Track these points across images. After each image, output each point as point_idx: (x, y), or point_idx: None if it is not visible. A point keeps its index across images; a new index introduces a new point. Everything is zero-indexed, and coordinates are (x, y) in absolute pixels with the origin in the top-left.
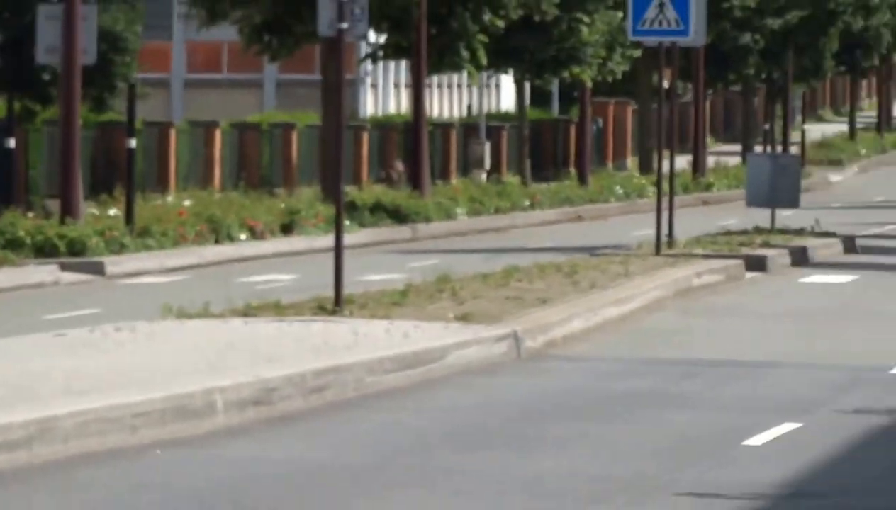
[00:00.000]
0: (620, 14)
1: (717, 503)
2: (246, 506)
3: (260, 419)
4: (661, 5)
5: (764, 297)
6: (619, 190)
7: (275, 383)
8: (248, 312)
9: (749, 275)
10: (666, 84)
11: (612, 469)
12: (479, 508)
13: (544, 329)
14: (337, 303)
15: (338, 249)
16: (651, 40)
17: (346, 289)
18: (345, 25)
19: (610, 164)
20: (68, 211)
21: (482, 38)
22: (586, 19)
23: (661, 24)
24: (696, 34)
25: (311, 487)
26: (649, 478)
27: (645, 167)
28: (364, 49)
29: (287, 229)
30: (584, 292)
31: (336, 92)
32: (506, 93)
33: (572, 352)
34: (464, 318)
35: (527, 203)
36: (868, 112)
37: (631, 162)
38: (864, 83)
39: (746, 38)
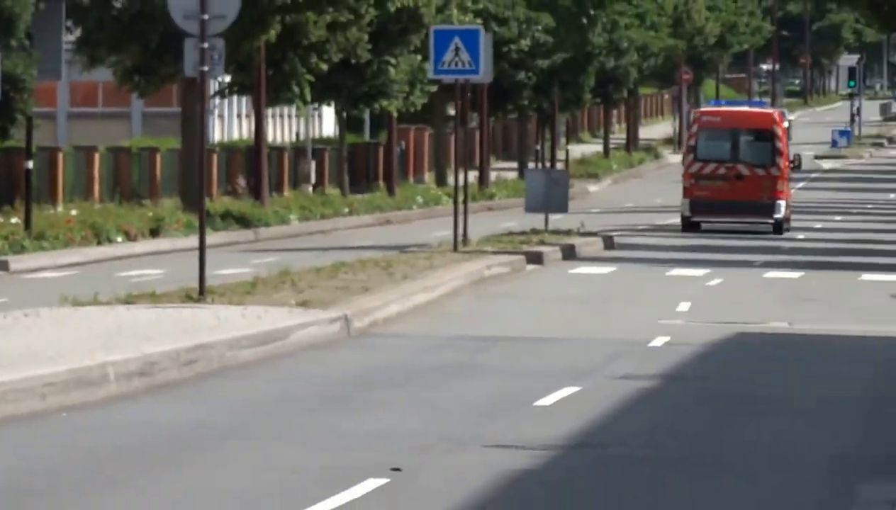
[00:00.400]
0: (420, 57)
1: (519, 453)
2: (135, 457)
3: (144, 388)
4: (457, 49)
5: (542, 285)
6: (420, 199)
7: (155, 358)
8: (129, 301)
9: (529, 267)
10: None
11: (431, 426)
12: (328, 459)
13: (368, 312)
14: (201, 293)
15: (202, 248)
16: (449, 78)
17: (207, 282)
18: (206, 68)
19: (411, 179)
20: None
21: (309, 77)
22: (393, 62)
23: (457, 64)
24: (484, 73)
25: (189, 440)
26: (462, 433)
27: (440, 181)
28: (215, 86)
29: (155, 233)
30: (399, 282)
31: (199, 121)
32: (327, 121)
33: (391, 331)
34: (303, 304)
35: (346, 210)
36: (619, 135)
37: (428, 177)
38: (615, 111)
39: (521, 75)
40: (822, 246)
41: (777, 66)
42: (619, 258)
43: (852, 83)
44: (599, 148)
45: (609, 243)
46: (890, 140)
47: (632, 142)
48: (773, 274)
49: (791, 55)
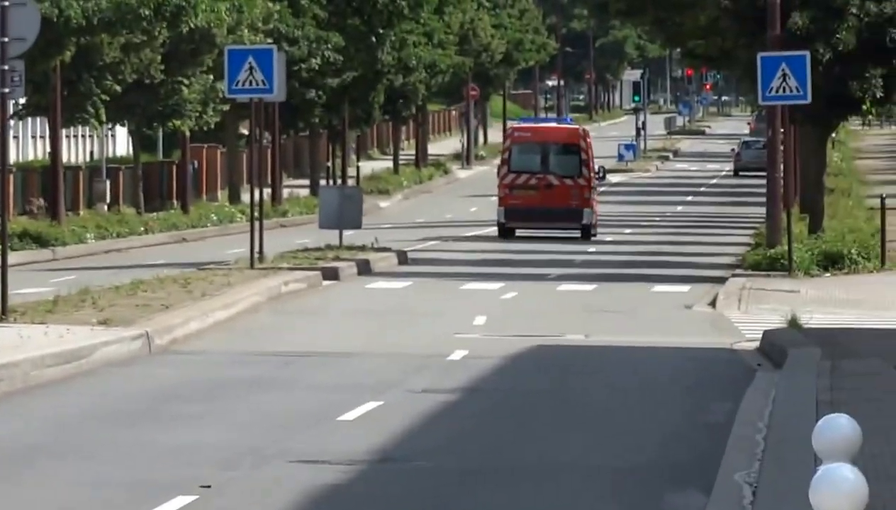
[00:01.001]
0: (212, 76)
1: (325, 468)
2: None
3: None
4: (251, 69)
5: (339, 301)
6: (214, 217)
7: None
8: None
9: (326, 283)
10: (246, 131)
11: (237, 440)
12: (136, 475)
13: (169, 329)
14: (3, 312)
15: (4, 269)
16: (243, 97)
17: (7, 301)
18: (6, 90)
19: (205, 197)
20: None
21: (103, 97)
22: (186, 81)
23: (251, 83)
24: (278, 91)
25: None
26: (267, 448)
27: (233, 198)
28: (11, 108)
29: None
30: (198, 299)
31: (1, 143)
32: (121, 140)
33: (193, 348)
34: (105, 322)
35: (142, 229)
36: (408, 151)
37: (221, 194)
38: (404, 128)
39: (312, 93)
40: (614, 258)
41: (562, 82)
42: (413, 273)
43: (637, 98)
44: (389, 164)
45: (403, 258)
46: (675, 153)
47: (421, 158)
48: (566, 286)
49: (576, 71)
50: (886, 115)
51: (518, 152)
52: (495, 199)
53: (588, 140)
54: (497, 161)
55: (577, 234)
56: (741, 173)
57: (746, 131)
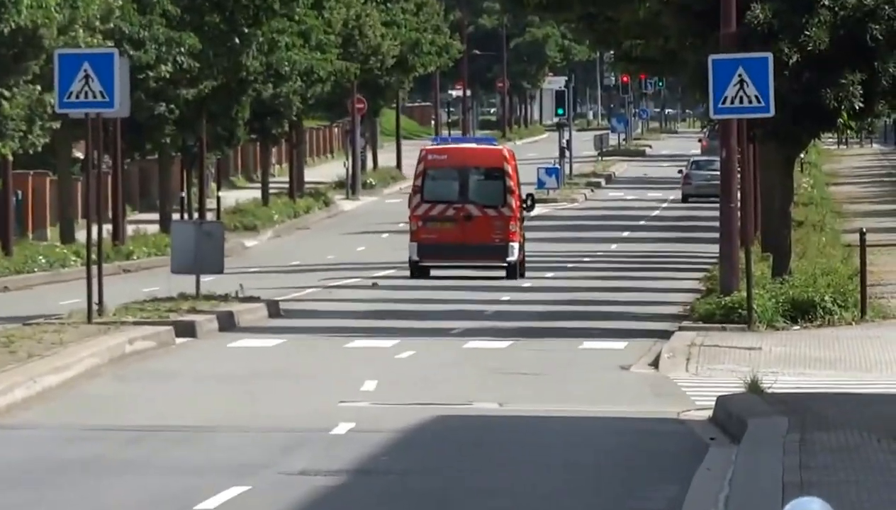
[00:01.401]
0: (39, 87)
1: None
2: None
3: None
4: (87, 78)
5: (196, 362)
6: (42, 260)
7: None
8: None
9: (179, 340)
10: (82, 154)
11: None
12: None
13: None
14: None
15: None
16: (78, 112)
17: None
18: None
19: (31, 235)
20: None
21: None
22: (7, 94)
23: (87, 95)
24: (120, 105)
25: None
26: None
27: (66, 237)
28: None
29: None
30: (23, 361)
31: None
32: None
33: (18, 421)
34: None
35: None
36: (280, 178)
37: (52, 232)
38: (275, 149)
39: (162, 107)
40: (533, 308)
41: (469, 92)
42: (287, 328)
43: (560, 111)
44: (257, 194)
45: (275, 309)
46: (608, 179)
47: (296, 186)
48: (475, 343)
49: (485, 78)
50: (867, 131)
51: (432, 178)
52: (387, 236)
53: (513, 163)
54: (391, 189)
55: (503, 273)
56: (691, 200)
57: (697, 151)
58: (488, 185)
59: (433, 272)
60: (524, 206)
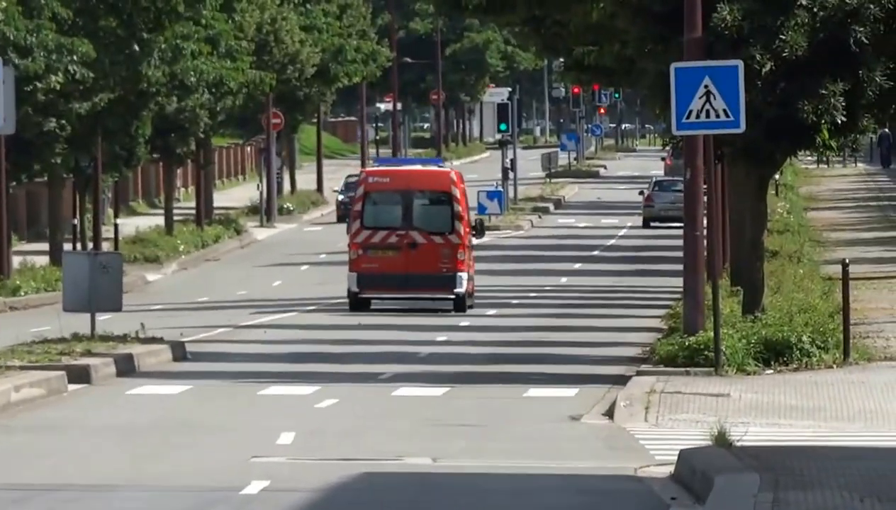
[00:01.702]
0: None
1: None
2: None
3: None
4: None
5: (91, 412)
6: None
7: None
8: None
9: (72, 387)
10: None
11: None
12: None
13: None
14: None
15: None
16: None
17: None
18: None
19: None
20: None
21: None
22: None
23: None
24: (5, 121)
25: None
26: None
27: None
28: None
29: None
30: None
31: None
32: None
33: None
34: None
35: None
36: (186, 203)
37: None
38: (180, 171)
39: (52, 123)
40: (472, 350)
41: (399, 106)
42: (194, 372)
43: (503, 126)
44: (160, 221)
45: (180, 352)
46: (558, 203)
47: (204, 212)
48: (406, 390)
49: (418, 90)
50: (850, 149)
51: (374, 203)
52: (306, 268)
53: (461, 187)
54: (310, 215)
55: (450, 305)
56: (654, 224)
57: (659, 172)
58: (434, 211)
59: (374, 304)
60: (473, 232)
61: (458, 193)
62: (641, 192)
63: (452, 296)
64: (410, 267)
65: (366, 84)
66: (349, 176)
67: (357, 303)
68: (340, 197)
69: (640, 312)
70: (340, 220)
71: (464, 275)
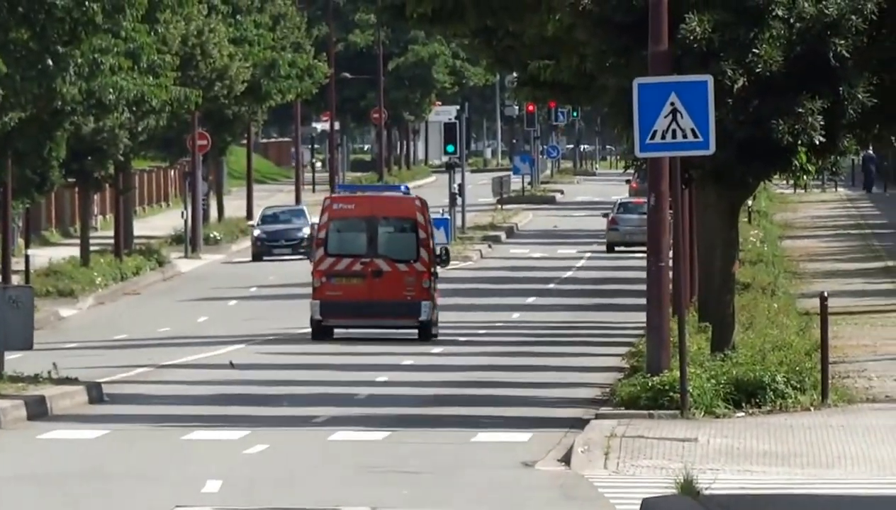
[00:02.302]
0: None
1: None
2: None
3: None
4: None
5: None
6: None
7: None
8: None
9: None
10: None
11: None
12: None
13: None
14: None
15: None
16: None
17: None
18: None
19: None
20: None
21: None
22: None
23: None
24: None
25: None
26: None
27: None
28: None
29: None
30: None
31: None
32: None
33: None
34: None
35: None
36: (104, 231)
37: None
38: (97, 197)
39: None
40: (415, 392)
41: (337, 126)
42: (112, 416)
43: (451, 148)
44: (76, 251)
45: (96, 393)
46: (510, 232)
47: (124, 242)
48: (343, 434)
49: (358, 108)
50: (830, 172)
51: (337, 230)
52: (235, 303)
53: (426, 214)
54: (240, 245)
55: (415, 333)
56: (618, 249)
57: (620, 197)
58: (399, 238)
59: (337, 332)
60: (438, 260)
61: (423, 220)
62: (605, 215)
63: (417, 325)
64: (374, 294)
65: (301, 102)
66: (267, 208)
67: (319, 332)
68: (257, 231)
69: (599, 350)
70: (257, 257)
71: (428, 304)
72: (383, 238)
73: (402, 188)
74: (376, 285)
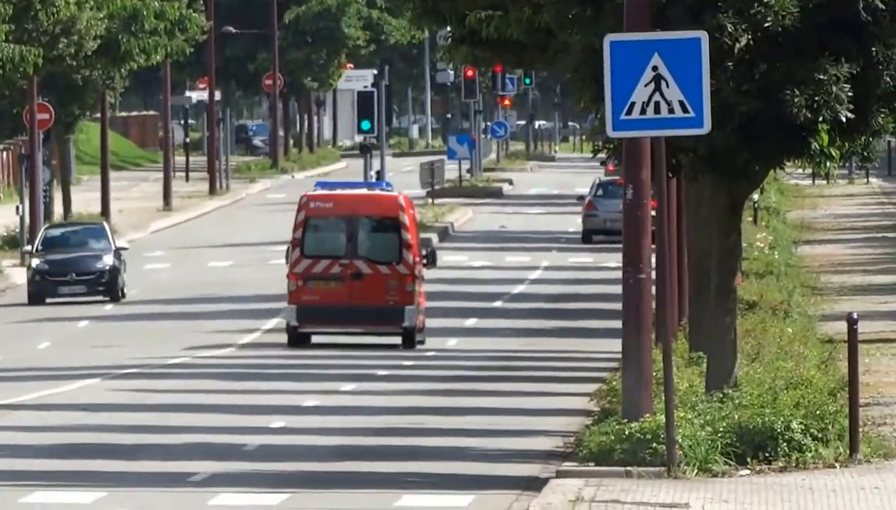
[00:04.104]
0: None
1: None
2: None
3: None
4: None
5: None
6: None
7: None
8: None
9: None
10: None
11: None
12: None
13: None
14: None
15: None
16: None
17: None
18: None
19: None
20: None
21: None
22: None
23: None
24: None
25: None
26: None
27: None
28: None
29: None
30: None
31: None
32: None
33: None
34: None
35: None
36: None
37: None
38: None
39: None
40: (323, 441)
41: (217, 95)
42: None
43: (366, 124)
44: None
45: None
46: (443, 234)
47: None
48: (229, 498)
49: (246, 73)
50: (860, 158)
51: (315, 229)
52: (86, 324)
53: (411, 212)
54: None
55: (398, 339)
56: (597, 238)
57: (600, 176)
58: (381, 238)
59: (315, 339)
60: (423, 261)
61: (406, 220)
62: (580, 198)
63: (400, 331)
64: (355, 299)
65: (171, 64)
66: (49, 226)
67: (296, 339)
68: (36, 261)
69: (560, 388)
70: (35, 298)
71: (412, 308)
72: (364, 238)
73: (384, 184)
74: (356, 288)
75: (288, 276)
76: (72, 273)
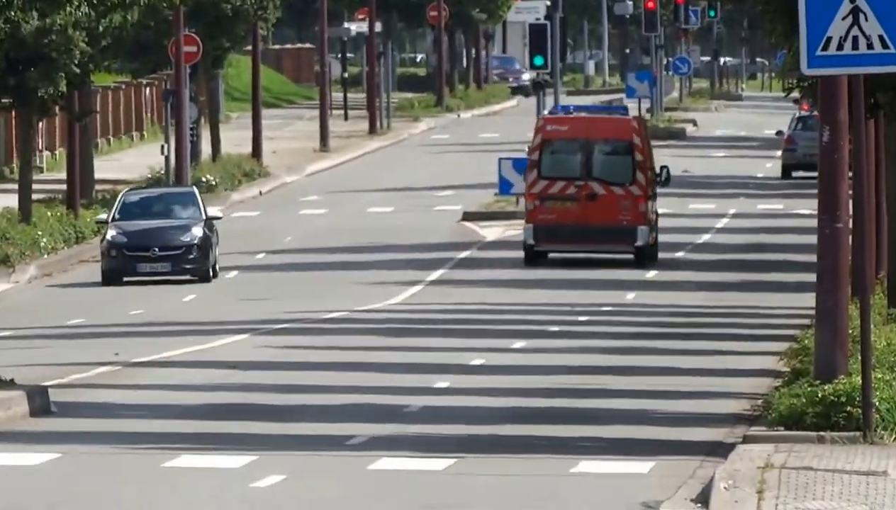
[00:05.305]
0: None
1: None
2: None
3: None
4: None
5: None
6: None
7: None
8: None
9: None
10: None
11: None
12: None
13: None
14: None
15: None
16: None
17: None
18: None
19: None
20: None
21: None
22: None
23: None
24: None
25: None
26: None
27: None
28: None
29: None
30: None
31: None
32: None
33: None
34: None
35: None
36: (53, 174)
37: None
38: (43, 124)
39: None
40: (490, 403)
41: (379, 28)
42: (64, 433)
43: (539, 60)
44: (13, 201)
45: (42, 402)
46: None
47: (81, 188)
48: (390, 462)
49: (409, 5)
50: None
51: (552, 152)
52: (235, 274)
53: (643, 134)
54: (244, 194)
55: (631, 257)
56: (796, 174)
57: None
58: (615, 161)
59: (551, 255)
60: (657, 180)
61: (639, 142)
62: (779, 132)
63: (632, 251)
64: (589, 219)
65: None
66: (130, 190)
67: (532, 256)
68: (111, 233)
69: (747, 347)
70: (110, 278)
71: (645, 228)
72: (598, 161)
73: (622, 109)
74: (591, 209)
75: (525, 197)
76: (154, 246)
